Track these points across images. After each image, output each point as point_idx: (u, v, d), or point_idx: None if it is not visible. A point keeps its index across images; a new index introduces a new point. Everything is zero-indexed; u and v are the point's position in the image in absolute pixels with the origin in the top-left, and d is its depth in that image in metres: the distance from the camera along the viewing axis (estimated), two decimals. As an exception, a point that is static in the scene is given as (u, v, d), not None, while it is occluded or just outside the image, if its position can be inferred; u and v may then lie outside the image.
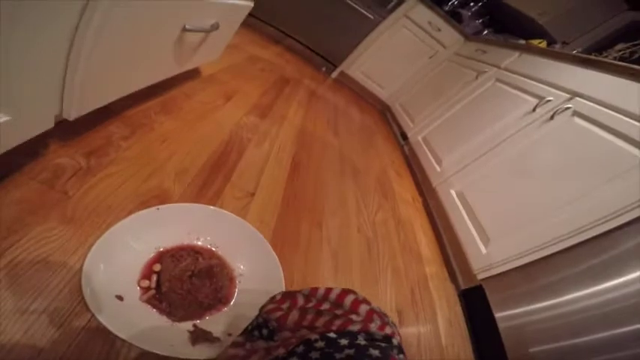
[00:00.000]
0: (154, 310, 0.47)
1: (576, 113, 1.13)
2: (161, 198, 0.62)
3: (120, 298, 0.44)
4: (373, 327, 0.36)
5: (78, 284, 0.44)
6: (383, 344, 0.34)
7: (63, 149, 0.57)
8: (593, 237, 0.87)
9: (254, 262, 0.61)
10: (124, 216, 0.52)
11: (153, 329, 0.44)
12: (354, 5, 2.46)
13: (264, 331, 0.40)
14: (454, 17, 2.63)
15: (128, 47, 0.54)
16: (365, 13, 2.48)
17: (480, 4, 2.75)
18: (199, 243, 0.58)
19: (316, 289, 0.43)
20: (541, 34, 2.47)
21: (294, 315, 0.40)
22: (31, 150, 0.54)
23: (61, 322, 0.40)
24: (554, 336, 0.82)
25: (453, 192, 1.40)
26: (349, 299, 0.40)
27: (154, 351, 0.41)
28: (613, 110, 1.04)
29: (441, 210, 1.44)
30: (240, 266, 0.59)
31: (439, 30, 2.56)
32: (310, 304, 0.41)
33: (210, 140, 0.88)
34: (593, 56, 1.38)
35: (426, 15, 2.53)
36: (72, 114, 0.49)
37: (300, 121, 1.43)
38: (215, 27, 0.80)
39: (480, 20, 2.79)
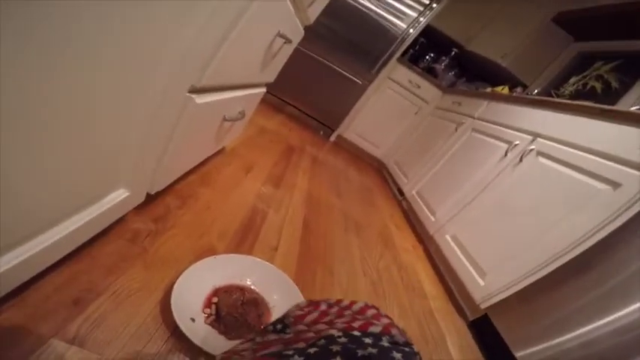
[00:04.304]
0: (215, 330, 0.62)
1: (539, 153, 1.32)
2: (211, 252, 0.80)
3: (193, 320, 0.61)
4: (394, 332, 0.36)
5: (159, 311, 0.60)
6: (406, 349, 0.34)
7: (137, 217, 0.77)
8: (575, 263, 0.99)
9: (284, 297, 0.77)
10: (186, 265, 0.69)
11: (216, 342, 0.60)
12: (343, 72, 2.78)
13: (279, 326, 0.41)
14: (430, 73, 2.92)
15: (194, 136, 0.76)
16: (353, 78, 2.79)
17: (450, 56, 3.03)
18: (243, 282, 0.75)
19: (341, 300, 0.45)
20: (506, 77, 2.69)
21: (313, 315, 0.41)
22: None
23: (149, 337, 0.56)
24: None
25: (448, 237, 1.55)
26: (371, 312, 0.41)
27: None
28: (568, 146, 1.23)
29: (439, 254, 1.58)
30: (273, 299, 0.75)
31: (419, 87, 2.84)
32: (332, 310, 0.42)
33: (240, 207, 1.08)
34: (546, 97, 1.58)
35: (405, 74, 2.83)
36: (154, 189, 0.69)
37: (307, 187, 1.63)
38: (242, 114, 1.04)
39: (453, 72, 3.06)
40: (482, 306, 1.18)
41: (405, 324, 1.02)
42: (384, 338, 0.34)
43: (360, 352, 0.31)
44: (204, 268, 0.70)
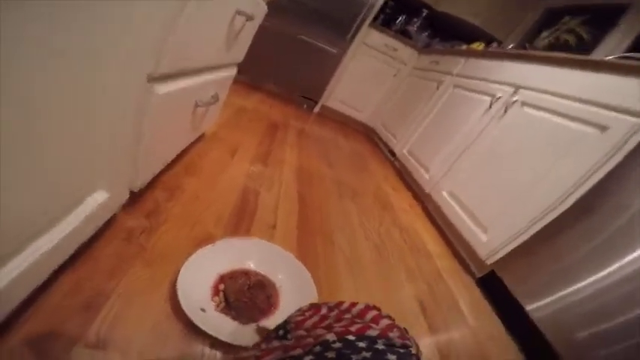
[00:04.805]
0: (227, 317, 0.61)
1: (523, 103, 1.31)
2: (209, 240, 0.77)
3: (203, 310, 0.59)
4: (392, 335, 0.36)
5: (170, 307, 0.59)
6: (401, 350, 0.34)
7: (128, 215, 0.74)
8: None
9: (290, 275, 0.76)
10: (186, 257, 0.67)
11: (231, 329, 0.59)
12: (317, 43, 2.73)
13: (281, 332, 0.42)
14: (404, 35, 2.88)
15: (167, 126, 0.72)
16: (328, 48, 2.76)
17: (422, 16, 2.99)
18: (246, 266, 0.74)
19: (341, 302, 0.45)
20: (479, 34, 2.70)
21: (313, 319, 0.42)
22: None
23: (165, 335, 0.55)
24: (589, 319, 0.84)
25: (444, 193, 1.55)
26: (371, 314, 0.41)
27: (240, 344, 0.55)
28: (550, 94, 1.22)
29: (438, 211, 1.59)
30: (279, 279, 0.74)
31: (395, 49, 2.82)
32: (332, 314, 0.43)
33: (231, 191, 1.06)
34: (522, 51, 1.59)
35: (380, 38, 2.79)
36: (136, 186, 0.66)
37: (296, 161, 1.60)
38: (216, 98, 1.00)
39: (426, 33, 3.03)
40: (488, 262, 1.17)
41: (414, 287, 1.03)
42: (379, 341, 0.35)
43: (354, 358, 0.32)
44: (204, 256, 0.68)
